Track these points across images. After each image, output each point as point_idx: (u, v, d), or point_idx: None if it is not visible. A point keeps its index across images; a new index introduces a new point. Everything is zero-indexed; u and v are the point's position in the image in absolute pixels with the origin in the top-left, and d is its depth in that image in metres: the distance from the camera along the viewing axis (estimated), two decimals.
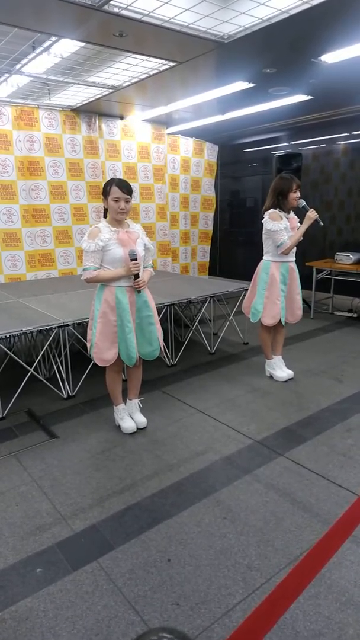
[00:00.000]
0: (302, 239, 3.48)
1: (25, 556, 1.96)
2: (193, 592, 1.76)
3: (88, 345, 2.90)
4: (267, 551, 1.95)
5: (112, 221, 2.71)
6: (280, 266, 3.55)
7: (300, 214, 3.55)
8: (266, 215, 3.47)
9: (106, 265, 2.70)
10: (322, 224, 3.45)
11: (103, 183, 5.46)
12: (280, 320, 3.65)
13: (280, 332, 3.83)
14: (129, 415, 3.07)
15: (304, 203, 3.42)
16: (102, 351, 2.80)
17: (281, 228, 3.40)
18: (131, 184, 2.72)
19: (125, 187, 2.62)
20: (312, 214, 3.38)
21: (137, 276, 2.69)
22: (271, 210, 3.45)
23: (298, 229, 3.43)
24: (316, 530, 2.07)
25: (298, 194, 3.39)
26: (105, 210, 2.74)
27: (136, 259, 2.64)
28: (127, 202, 2.64)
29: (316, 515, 2.16)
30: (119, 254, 2.65)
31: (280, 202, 3.43)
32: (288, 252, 3.46)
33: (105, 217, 2.77)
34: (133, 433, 2.98)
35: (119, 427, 3.05)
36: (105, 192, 2.65)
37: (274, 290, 3.56)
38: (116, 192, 2.60)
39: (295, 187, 3.38)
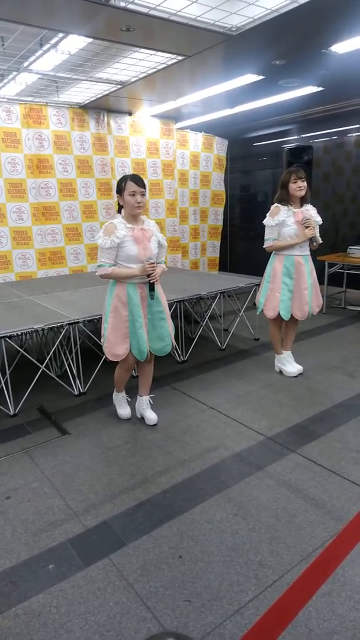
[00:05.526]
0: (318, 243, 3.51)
1: (37, 552, 1.97)
2: (205, 588, 1.75)
3: (102, 341, 2.92)
4: (279, 548, 1.94)
5: (128, 217, 2.72)
6: (284, 259, 3.52)
7: (318, 211, 3.57)
8: None
9: (120, 262, 2.71)
10: (315, 244, 3.48)
11: (112, 180, 5.51)
12: (290, 315, 3.62)
13: (291, 327, 3.79)
14: (140, 411, 3.10)
15: (308, 218, 3.38)
16: (113, 346, 2.83)
17: (272, 224, 3.44)
18: None
19: (140, 181, 2.66)
20: (308, 232, 3.38)
21: (149, 276, 2.70)
22: (274, 204, 3.49)
23: (304, 221, 3.38)
24: (329, 527, 2.05)
25: (299, 184, 3.37)
26: (120, 207, 2.75)
27: (153, 262, 2.69)
28: (143, 195, 2.66)
29: (329, 512, 2.14)
30: (134, 252, 2.67)
31: (284, 195, 3.44)
32: (270, 250, 3.55)
33: (119, 212, 2.78)
34: (143, 429, 2.98)
35: (128, 420, 3.06)
36: (120, 189, 2.67)
37: (276, 282, 3.57)
38: (132, 186, 2.62)
39: (295, 178, 3.37)
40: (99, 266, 2.71)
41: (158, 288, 2.81)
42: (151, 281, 2.70)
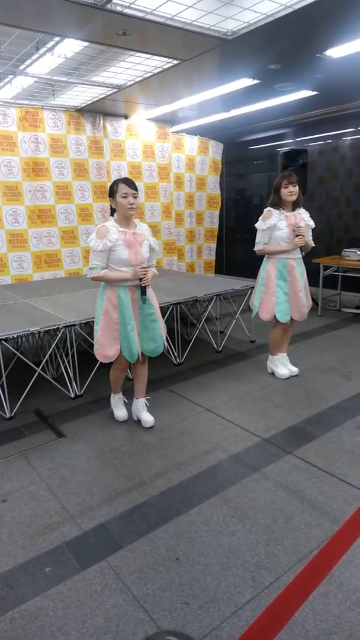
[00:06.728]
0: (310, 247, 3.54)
1: (34, 555, 1.96)
2: (202, 591, 1.75)
3: (94, 342, 2.94)
4: (276, 550, 1.94)
5: (121, 220, 2.74)
6: (277, 262, 3.55)
7: (313, 214, 3.61)
8: None
9: (112, 265, 2.74)
10: (304, 253, 3.54)
11: (108, 183, 5.51)
12: (289, 317, 3.64)
13: (287, 330, 3.81)
14: (137, 413, 3.11)
15: (300, 225, 3.41)
16: (103, 347, 2.87)
17: (263, 228, 3.48)
18: (136, 183, 2.76)
19: (132, 183, 2.70)
20: (297, 241, 3.41)
21: (141, 280, 2.73)
22: (267, 208, 3.52)
23: (295, 229, 3.41)
24: (325, 528, 2.05)
25: (290, 189, 3.40)
26: (113, 211, 2.76)
27: (144, 267, 2.72)
28: (135, 197, 2.69)
29: (325, 514, 2.14)
30: (125, 256, 2.70)
31: (276, 199, 3.48)
32: (260, 254, 3.60)
33: (112, 216, 2.80)
34: (140, 431, 2.98)
35: (124, 423, 3.06)
36: (112, 192, 2.71)
37: (270, 285, 3.60)
38: (124, 188, 2.66)
39: (286, 183, 3.40)
40: (90, 268, 2.75)
41: (149, 292, 2.84)
42: (143, 285, 2.72)
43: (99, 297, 2.87)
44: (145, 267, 2.72)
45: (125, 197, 2.66)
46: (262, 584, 1.77)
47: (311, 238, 3.56)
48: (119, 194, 2.66)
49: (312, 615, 1.63)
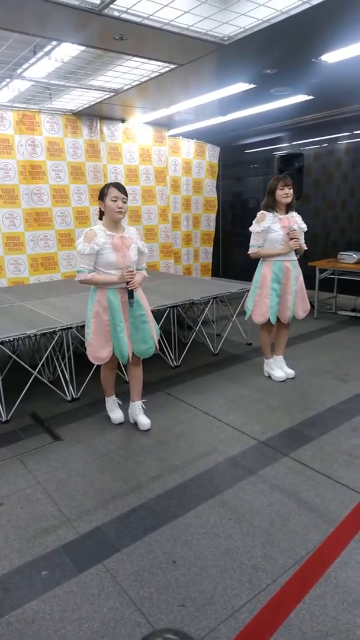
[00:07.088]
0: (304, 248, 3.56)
1: (30, 559, 1.96)
2: (199, 593, 1.75)
3: (86, 345, 2.96)
4: (273, 552, 1.94)
5: (109, 223, 2.77)
6: (273, 265, 3.56)
7: (309, 218, 3.61)
8: None
9: (100, 268, 2.78)
10: (298, 255, 3.57)
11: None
12: (279, 320, 3.66)
13: (282, 332, 3.82)
14: (133, 416, 3.11)
15: (294, 229, 3.44)
16: (96, 349, 2.89)
17: (257, 231, 3.50)
18: (133, 187, 2.78)
19: (122, 188, 2.74)
20: (292, 243, 3.44)
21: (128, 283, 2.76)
22: (260, 211, 3.53)
23: (290, 232, 3.43)
24: (322, 530, 2.06)
25: (286, 191, 3.42)
26: (101, 214, 2.79)
27: (131, 270, 2.75)
28: (124, 202, 2.73)
29: (322, 516, 2.15)
30: (112, 259, 2.74)
31: (270, 201, 3.49)
32: (254, 257, 3.60)
33: (100, 219, 2.83)
34: (137, 434, 2.98)
35: (120, 426, 3.06)
36: (103, 195, 2.74)
37: (264, 288, 3.60)
38: (114, 191, 2.70)
39: (282, 185, 3.42)
40: (78, 271, 2.79)
41: (139, 294, 2.86)
42: (129, 288, 2.74)
43: (89, 300, 2.90)
44: (132, 271, 2.74)
45: (115, 200, 2.69)
46: (259, 586, 1.78)
47: (304, 241, 3.58)
48: (109, 197, 2.69)
49: (308, 617, 1.63)
